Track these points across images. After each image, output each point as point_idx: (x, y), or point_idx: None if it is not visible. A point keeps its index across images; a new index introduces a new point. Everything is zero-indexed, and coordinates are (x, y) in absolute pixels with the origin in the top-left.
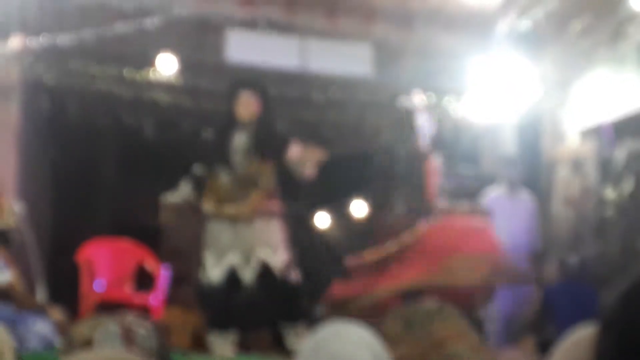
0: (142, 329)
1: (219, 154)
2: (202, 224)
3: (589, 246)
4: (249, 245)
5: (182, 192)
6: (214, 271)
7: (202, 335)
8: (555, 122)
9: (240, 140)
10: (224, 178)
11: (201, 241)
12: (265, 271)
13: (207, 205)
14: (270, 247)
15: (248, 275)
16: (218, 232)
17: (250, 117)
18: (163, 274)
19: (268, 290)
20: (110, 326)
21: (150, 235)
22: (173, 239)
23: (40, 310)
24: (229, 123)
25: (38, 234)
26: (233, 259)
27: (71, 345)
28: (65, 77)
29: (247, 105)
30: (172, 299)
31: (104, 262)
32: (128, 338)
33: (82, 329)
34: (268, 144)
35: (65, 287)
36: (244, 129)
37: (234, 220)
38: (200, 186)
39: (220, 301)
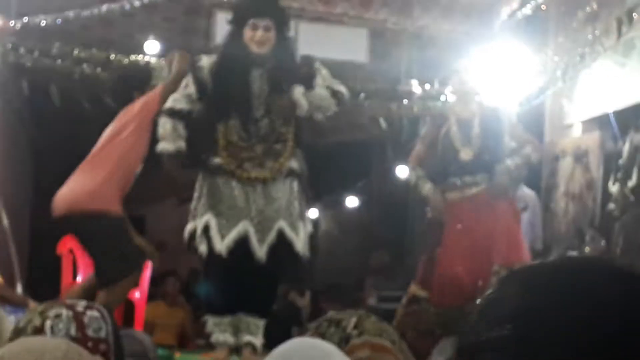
0: (93, 311)
1: (237, 101)
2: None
3: (590, 240)
4: (266, 211)
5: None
6: (221, 242)
7: (188, 331)
8: (558, 113)
9: (259, 81)
10: (241, 130)
11: (192, 202)
12: (282, 244)
13: (225, 164)
14: (291, 216)
15: (262, 247)
16: (226, 195)
17: (267, 51)
18: (147, 268)
19: (281, 267)
20: (62, 312)
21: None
22: (157, 232)
23: (20, 304)
24: (243, 59)
25: (17, 225)
26: (246, 227)
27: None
28: (48, 60)
29: (263, 37)
30: (156, 294)
31: (86, 255)
32: (80, 323)
33: (31, 318)
34: (290, 81)
35: (46, 280)
36: (261, 66)
37: (252, 182)
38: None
39: (226, 279)
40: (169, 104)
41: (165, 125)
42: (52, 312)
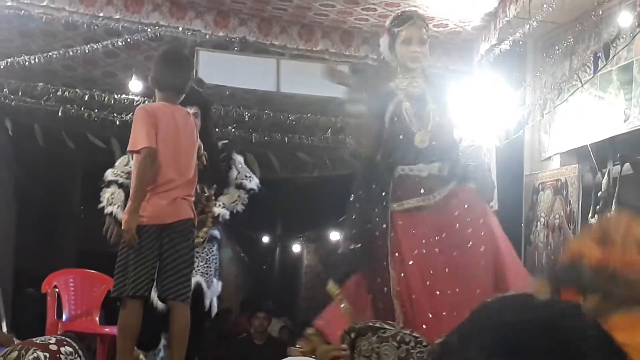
0: (65, 347)
1: None
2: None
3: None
4: None
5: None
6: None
7: None
8: (537, 146)
9: None
10: None
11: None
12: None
13: None
14: (208, 275)
15: None
16: None
17: None
18: None
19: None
20: (40, 356)
21: None
22: None
23: (6, 344)
24: None
25: (2, 263)
26: None
27: None
28: (31, 100)
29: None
30: None
31: (71, 293)
32: None
33: None
34: (212, 167)
35: (30, 319)
36: None
37: None
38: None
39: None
40: (111, 177)
41: (119, 194)
42: (29, 358)
